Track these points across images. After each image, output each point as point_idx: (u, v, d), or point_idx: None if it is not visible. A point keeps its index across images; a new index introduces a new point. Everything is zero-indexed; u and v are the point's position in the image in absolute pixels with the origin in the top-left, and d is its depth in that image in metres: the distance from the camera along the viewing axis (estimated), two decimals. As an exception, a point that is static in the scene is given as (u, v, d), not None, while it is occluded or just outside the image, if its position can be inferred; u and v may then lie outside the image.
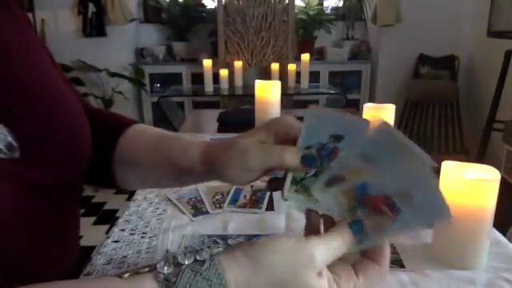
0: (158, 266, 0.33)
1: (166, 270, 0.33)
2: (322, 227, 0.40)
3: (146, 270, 0.34)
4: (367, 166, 0.37)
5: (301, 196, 0.40)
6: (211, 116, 1.50)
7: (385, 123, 0.37)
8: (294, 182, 0.41)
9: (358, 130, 0.38)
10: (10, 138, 0.36)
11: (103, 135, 0.51)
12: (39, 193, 0.40)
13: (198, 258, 0.34)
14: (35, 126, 0.40)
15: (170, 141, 0.50)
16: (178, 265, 0.33)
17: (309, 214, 0.41)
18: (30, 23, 0.48)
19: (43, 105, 0.42)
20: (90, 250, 0.62)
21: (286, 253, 0.34)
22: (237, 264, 0.34)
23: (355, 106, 3.11)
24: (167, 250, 0.56)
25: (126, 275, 0.34)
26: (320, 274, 0.35)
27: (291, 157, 0.39)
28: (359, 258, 0.39)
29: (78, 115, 0.47)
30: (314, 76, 3.17)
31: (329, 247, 0.35)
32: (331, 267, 0.37)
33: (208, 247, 0.35)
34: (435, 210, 0.34)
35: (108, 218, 2.50)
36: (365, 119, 0.38)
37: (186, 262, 0.34)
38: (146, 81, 3.33)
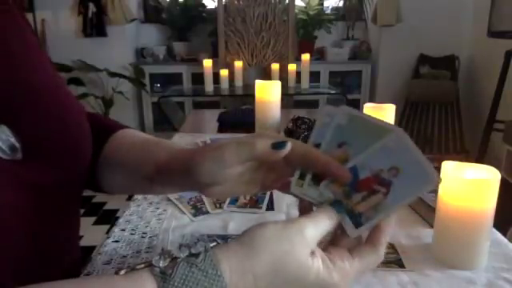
0: (153, 260, 0.34)
1: (161, 263, 0.33)
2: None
3: (142, 266, 0.34)
4: (344, 151, 0.40)
5: (306, 191, 0.42)
6: (211, 116, 1.50)
7: (345, 107, 0.40)
8: (302, 176, 0.42)
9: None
10: (12, 140, 0.36)
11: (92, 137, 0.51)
12: (40, 194, 0.40)
13: (192, 251, 0.34)
14: (38, 128, 0.40)
15: (157, 141, 0.50)
16: (173, 259, 0.34)
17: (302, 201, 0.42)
18: (29, 24, 0.48)
19: (45, 106, 0.42)
20: (90, 250, 0.62)
21: (278, 234, 0.35)
22: (231, 252, 0.35)
23: (355, 106, 3.10)
24: (163, 249, 0.56)
25: (123, 272, 0.34)
26: (313, 253, 0.36)
27: (262, 144, 0.39)
28: (355, 244, 0.40)
29: (79, 116, 0.47)
30: (315, 76, 3.17)
31: (316, 224, 0.37)
32: (325, 249, 0.38)
33: (203, 241, 0.36)
34: (424, 176, 0.36)
35: (108, 217, 2.51)
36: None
37: (181, 256, 0.34)
38: (147, 81, 3.34)
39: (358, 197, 0.39)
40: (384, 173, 0.38)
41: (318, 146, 0.42)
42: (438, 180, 0.36)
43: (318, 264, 0.35)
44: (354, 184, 0.39)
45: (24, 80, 0.41)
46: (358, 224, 0.39)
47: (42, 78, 0.44)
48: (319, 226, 0.37)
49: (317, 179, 0.41)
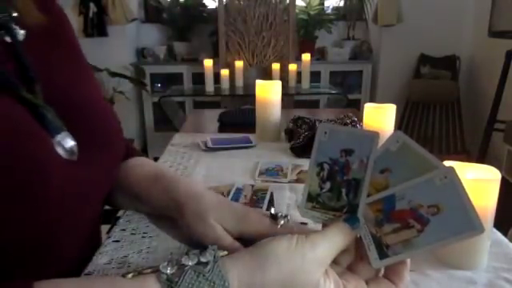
0: (160, 266, 0.34)
1: (168, 270, 0.33)
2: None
3: (149, 271, 0.34)
4: (385, 177, 0.38)
5: (317, 213, 0.41)
6: (212, 116, 1.50)
7: (400, 134, 0.38)
8: (310, 198, 0.41)
9: (368, 143, 0.39)
10: (73, 143, 0.42)
11: None
12: (86, 191, 0.44)
13: (201, 259, 0.34)
14: (88, 134, 0.45)
15: (168, 176, 0.53)
16: (181, 266, 0.34)
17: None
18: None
19: (93, 117, 0.48)
20: (90, 249, 0.62)
21: (291, 250, 0.34)
22: (241, 263, 0.34)
23: (356, 106, 3.11)
24: (171, 253, 0.56)
25: (130, 275, 0.34)
26: (327, 274, 0.35)
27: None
28: (374, 276, 0.39)
29: (116, 125, 0.53)
30: (315, 76, 3.17)
31: (330, 241, 0.36)
32: (342, 275, 0.37)
33: (213, 250, 0.35)
34: (466, 222, 0.34)
35: (109, 217, 2.50)
36: (373, 132, 0.39)
37: (190, 264, 0.34)
38: (147, 81, 3.34)
39: (389, 227, 0.37)
40: (423, 209, 0.35)
41: (320, 164, 0.41)
42: (483, 230, 0.34)
43: (329, 287, 0.34)
44: (388, 213, 0.37)
45: (80, 94, 0.47)
46: (382, 255, 0.37)
47: (92, 91, 0.51)
48: (333, 243, 0.36)
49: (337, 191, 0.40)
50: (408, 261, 0.38)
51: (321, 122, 1.04)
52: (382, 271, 0.40)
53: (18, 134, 0.36)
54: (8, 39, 0.41)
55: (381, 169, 0.38)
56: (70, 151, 0.41)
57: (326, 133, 0.40)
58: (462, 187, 0.34)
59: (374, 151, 0.38)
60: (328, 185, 0.41)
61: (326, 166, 0.40)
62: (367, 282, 0.38)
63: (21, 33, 0.42)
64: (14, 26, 0.42)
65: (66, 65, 0.49)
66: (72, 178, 0.41)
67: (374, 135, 0.39)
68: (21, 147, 0.35)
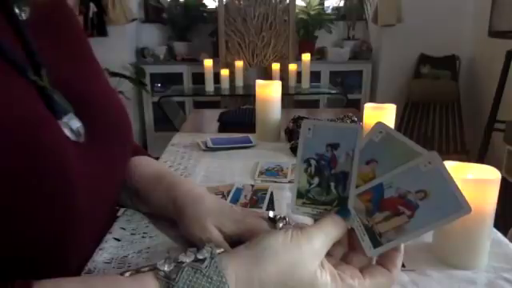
0: (158, 264, 0.34)
1: (166, 268, 0.33)
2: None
3: (147, 269, 0.35)
4: (371, 168, 0.39)
5: (308, 208, 0.42)
6: (212, 116, 1.50)
7: (381, 124, 0.39)
8: (300, 194, 0.42)
9: (352, 136, 0.40)
10: (79, 125, 0.43)
11: None
12: (95, 174, 0.45)
13: (198, 256, 0.34)
14: (96, 119, 0.48)
15: (169, 177, 0.59)
16: (178, 263, 0.34)
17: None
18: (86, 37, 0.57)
19: (103, 107, 0.50)
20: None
21: (287, 244, 0.35)
22: (238, 258, 0.35)
23: (356, 106, 3.11)
24: (168, 251, 0.56)
25: (128, 274, 0.34)
26: (322, 266, 0.35)
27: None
28: (368, 263, 0.39)
29: (124, 112, 0.55)
30: (315, 76, 3.17)
31: (325, 233, 0.37)
32: (336, 266, 0.37)
33: (210, 247, 0.36)
34: (454, 204, 0.35)
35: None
36: (356, 124, 0.40)
37: (187, 261, 0.34)
38: (147, 81, 3.34)
39: (380, 216, 0.38)
40: (411, 195, 0.37)
41: (307, 161, 0.41)
42: (469, 210, 0.35)
43: (325, 278, 0.35)
44: (377, 202, 0.38)
45: (84, 83, 0.50)
46: (376, 244, 0.38)
47: (98, 83, 0.53)
48: (328, 234, 0.37)
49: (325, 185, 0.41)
50: (402, 247, 0.39)
51: (321, 121, 1.04)
52: (375, 259, 0.40)
53: (27, 116, 0.36)
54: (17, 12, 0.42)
55: (366, 160, 0.39)
56: (76, 132, 0.42)
57: (310, 129, 0.41)
58: (446, 170, 0.35)
59: (359, 143, 0.39)
60: (316, 180, 0.41)
61: (312, 162, 0.41)
62: (361, 271, 0.38)
63: (25, 9, 0.43)
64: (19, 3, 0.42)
65: (73, 57, 0.51)
66: (81, 158, 0.41)
67: (357, 128, 0.40)
68: (30, 129, 0.35)
